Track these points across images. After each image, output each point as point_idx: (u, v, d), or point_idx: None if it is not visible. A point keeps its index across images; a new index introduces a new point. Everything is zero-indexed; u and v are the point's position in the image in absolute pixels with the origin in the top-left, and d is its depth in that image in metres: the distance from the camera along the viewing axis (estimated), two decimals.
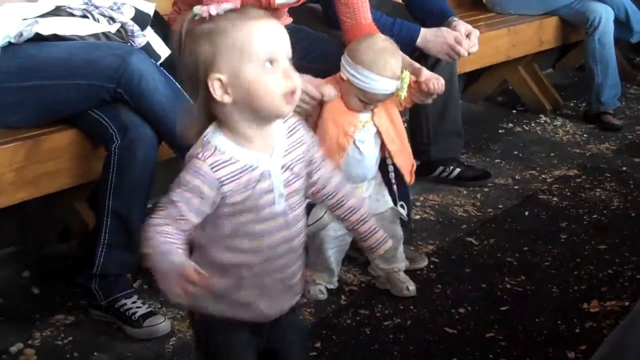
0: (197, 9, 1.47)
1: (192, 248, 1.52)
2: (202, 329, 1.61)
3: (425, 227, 3.09)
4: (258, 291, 1.55)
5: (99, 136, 2.34)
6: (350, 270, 2.73)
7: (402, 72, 2.41)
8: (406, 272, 2.65)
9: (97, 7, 2.44)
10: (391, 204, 2.57)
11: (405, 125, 3.66)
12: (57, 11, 2.40)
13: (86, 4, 2.44)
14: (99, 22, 2.42)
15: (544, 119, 4.41)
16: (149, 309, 2.37)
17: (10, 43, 2.33)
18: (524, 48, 4.26)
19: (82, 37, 2.39)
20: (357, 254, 2.71)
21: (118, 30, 2.44)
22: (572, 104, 4.68)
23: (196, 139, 1.50)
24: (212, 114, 1.49)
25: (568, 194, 3.43)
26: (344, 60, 2.42)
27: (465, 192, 3.41)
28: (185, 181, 1.47)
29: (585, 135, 4.19)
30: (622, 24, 4.39)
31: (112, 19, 2.45)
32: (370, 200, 2.53)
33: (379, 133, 2.49)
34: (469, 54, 3.09)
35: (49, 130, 2.34)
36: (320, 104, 2.44)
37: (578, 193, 3.44)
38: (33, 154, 2.27)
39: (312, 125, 2.46)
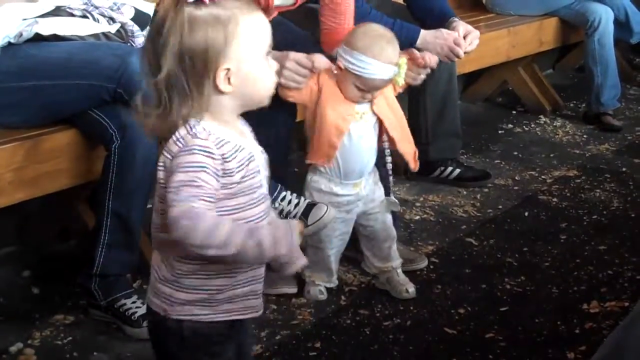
0: None
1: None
2: (191, 342, 1.51)
3: (425, 228, 3.09)
4: (252, 283, 1.53)
5: (98, 136, 2.34)
6: (350, 270, 2.73)
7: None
8: (405, 272, 2.65)
9: (97, 7, 2.44)
10: (383, 197, 2.57)
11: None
12: (57, 11, 2.40)
13: (86, 4, 2.44)
14: (98, 22, 2.43)
15: (544, 119, 4.41)
16: None
17: (10, 43, 2.33)
18: (523, 49, 4.26)
19: (82, 37, 2.39)
20: (357, 254, 2.71)
21: (118, 31, 2.44)
22: (572, 105, 4.68)
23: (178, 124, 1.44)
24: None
25: (568, 194, 3.44)
26: (340, 50, 2.42)
27: (465, 192, 3.41)
28: (196, 162, 1.40)
29: (585, 136, 4.19)
30: (622, 25, 4.39)
31: (112, 19, 2.45)
32: (366, 199, 2.53)
33: (379, 122, 2.49)
34: (466, 53, 3.10)
35: (48, 130, 2.34)
36: (319, 91, 2.43)
37: (578, 194, 3.44)
38: (33, 154, 2.27)
39: (309, 114, 2.47)
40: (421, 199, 3.33)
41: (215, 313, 1.50)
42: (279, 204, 2.44)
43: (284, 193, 2.46)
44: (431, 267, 2.78)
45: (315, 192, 2.49)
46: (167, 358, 1.56)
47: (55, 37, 2.36)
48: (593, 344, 2.30)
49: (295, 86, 2.42)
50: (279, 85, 2.37)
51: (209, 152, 1.41)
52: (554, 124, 4.36)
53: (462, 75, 4.03)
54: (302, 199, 2.46)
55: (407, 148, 2.56)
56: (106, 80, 2.28)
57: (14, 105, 2.34)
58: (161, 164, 1.46)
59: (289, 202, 2.45)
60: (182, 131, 1.44)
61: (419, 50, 3.10)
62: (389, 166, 2.54)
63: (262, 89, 1.48)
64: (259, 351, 2.28)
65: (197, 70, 1.42)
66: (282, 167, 2.51)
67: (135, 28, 2.46)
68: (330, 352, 2.30)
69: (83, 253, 2.46)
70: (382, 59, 2.35)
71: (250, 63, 1.45)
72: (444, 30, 3.09)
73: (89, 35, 2.40)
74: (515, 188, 3.50)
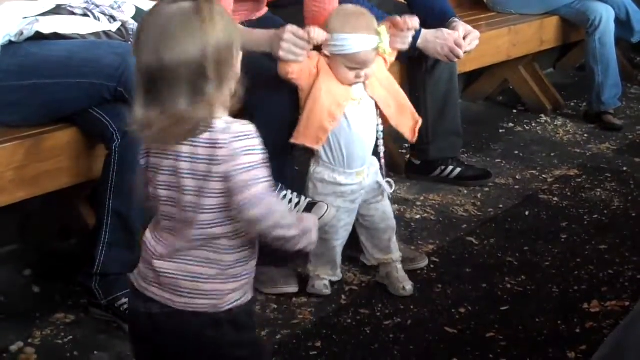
0: None
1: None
2: (244, 323, 1.58)
3: (426, 227, 3.09)
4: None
5: (99, 135, 2.34)
6: (351, 269, 2.73)
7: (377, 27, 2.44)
8: (406, 271, 2.65)
9: (97, 6, 2.44)
10: (381, 180, 2.58)
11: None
12: (58, 10, 2.40)
13: (87, 2, 2.44)
14: (99, 20, 2.43)
15: (545, 118, 4.41)
16: None
17: (10, 42, 2.33)
18: (524, 48, 4.26)
19: (82, 36, 2.39)
20: (358, 253, 2.71)
21: (119, 29, 2.44)
22: (572, 104, 4.68)
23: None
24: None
25: (568, 193, 3.43)
26: None
27: (465, 191, 3.41)
28: (259, 146, 1.47)
29: (585, 135, 4.19)
30: (623, 24, 4.39)
31: (112, 18, 2.45)
32: (368, 188, 2.54)
33: (375, 104, 2.51)
34: (465, 53, 3.10)
35: (49, 129, 2.34)
36: (317, 74, 2.44)
37: (578, 193, 3.44)
38: (33, 153, 2.27)
39: (304, 97, 2.47)
40: (422, 198, 3.33)
41: (250, 292, 1.59)
42: None
43: (284, 192, 2.46)
44: (432, 266, 2.78)
45: (319, 182, 2.49)
46: (227, 350, 1.57)
47: (56, 36, 2.36)
48: (594, 343, 2.30)
49: (294, 59, 2.41)
50: (279, 62, 2.40)
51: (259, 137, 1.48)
52: (555, 123, 4.36)
53: (463, 74, 4.02)
54: (303, 198, 2.46)
55: (405, 120, 2.58)
56: (107, 79, 2.28)
57: (15, 103, 2.34)
58: (205, 155, 1.46)
59: (290, 200, 2.45)
60: (219, 122, 1.46)
61: (420, 50, 3.12)
62: (381, 149, 2.56)
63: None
64: None
65: (226, 61, 1.45)
66: (283, 166, 2.51)
67: (136, 26, 2.45)
68: (331, 352, 2.30)
69: (84, 252, 2.46)
70: (359, 31, 2.39)
71: (240, 55, 1.51)
72: (444, 30, 3.10)
73: (89, 34, 2.40)
74: (516, 187, 3.50)
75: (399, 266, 2.62)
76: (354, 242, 2.64)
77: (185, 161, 1.47)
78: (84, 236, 2.59)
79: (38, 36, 2.34)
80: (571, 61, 5.34)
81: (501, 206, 3.30)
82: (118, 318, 2.36)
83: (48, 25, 2.35)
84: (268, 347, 2.07)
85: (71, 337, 2.35)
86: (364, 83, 2.46)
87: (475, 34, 3.15)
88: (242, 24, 2.76)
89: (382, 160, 2.58)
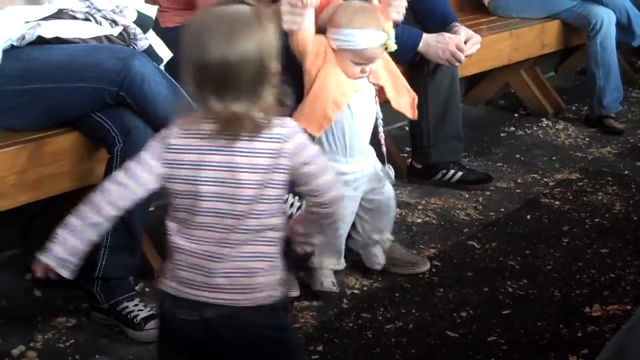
0: None
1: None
2: (285, 308, 1.67)
3: (427, 231, 3.09)
4: None
5: (101, 139, 2.35)
6: (352, 273, 2.73)
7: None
8: (408, 275, 2.67)
9: (99, 10, 2.44)
10: (383, 168, 2.61)
11: (406, 128, 3.69)
12: (60, 14, 2.40)
13: (89, 7, 2.44)
14: (101, 25, 2.43)
15: (546, 122, 4.41)
16: (151, 312, 2.37)
17: (12, 46, 2.33)
18: (526, 51, 4.26)
19: (84, 40, 2.39)
20: (358, 257, 2.71)
21: (120, 33, 2.44)
22: (574, 108, 4.68)
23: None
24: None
25: (570, 197, 3.43)
26: (328, 32, 2.47)
27: (467, 195, 3.41)
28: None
29: (587, 139, 4.19)
30: (624, 28, 4.39)
31: (114, 22, 2.45)
32: (371, 176, 2.58)
33: (376, 88, 2.55)
34: (466, 57, 3.10)
35: (51, 133, 2.34)
36: (324, 58, 2.47)
37: (580, 197, 3.44)
38: (35, 157, 2.27)
39: (309, 82, 2.48)
40: (423, 202, 3.33)
41: None
42: None
43: (286, 196, 2.46)
44: (433, 270, 2.78)
45: None
46: (282, 333, 1.63)
47: (57, 40, 2.36)
48: (595, 347, 2.29)
49: (297, 27, 2.45)
50: (290, 38, 2.43)
51: None
52: (556, 127, 4.36)
53: (464, 78, 4.03)
54: (304, 201, 2.46)
55: (402, 100, 2.63)
56: (108, 83, 2.29)
57: (17, 108, 2.34)
58: (267, 149, 1.52)
59: (292, 205, 2.45)
60: (275, 119, 1.53)
61: (422, 54, 3.12)
62: (382, 136, 2.59)
63: None
64: None
65: (275, 61, 1.54)
66: None
67: (138, 31, 2.46)
68: (333, 355, 2.29)
69: (85, 256, 2.46)
70: (367, 27, 2.42)
71: None
72: (446, 34, 3.10)
73: (91, 38, 2.40)
74: (518, 191, 3.50)
75: (386, 244, 2.69)
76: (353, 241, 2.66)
77: (244, 155, 1.52)
78: None
79: (40, 40, 2.34)
80: (572, 65, 5.34)
81: (503, 210, 3.30)
82: (120, 322, 2.36)
83: (50, 30, 2.35)
84: None
85: (73, 341, 2.35)
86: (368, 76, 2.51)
87: (477, 38, 3.15)
88: None
89: (384, 147, 2.59)
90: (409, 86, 2.66)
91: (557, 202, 3.38)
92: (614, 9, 4.33)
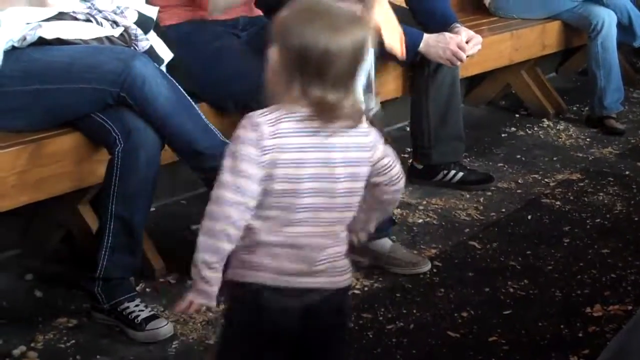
0: None
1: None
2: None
3: (428, 231, 3.09)
4: None
5: (102, 140, 2.35)
6: (353, 274, 2.72)
7: None
8: (409, 275, 2.66)
9: (100, 11, 2.45)
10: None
11: (407, 129, 3.69)
12: (61, 15, 2.40)
13: (89, 8, 2.44)
14: (102, 26, 2.43)
15: (547, 123, 4.41)
16: (152, 312, 2.37)
17: (13, 47, 2.34)
18: (526, 52, 4.26)
19: (85, 41, 2.39)
20: (361, 258, 2.71)
21: (121, 34, 2.44)
22: (575, 108, 4.68)
23: None
24: None
25: (571, 198, 3.43)
26: None
27: (468, 196, 3.41)
28: None
29: (588, 140, 4.19)
30: (625, 28, 4.39)
31: (115, 23, 2.45)
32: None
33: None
34: (468, 57, 3.11)
35: (52, 133, 2.34)
36: None
37: (581, 197, 3.44)
38: (36, 158, 2.28)
39: None
40: (424, 202, 3.33)
41: None
42: None
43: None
44: (434, 270, 2.78)
45: None
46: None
47: (58, 41, 2.36)
48: (596, 347, 2.29)
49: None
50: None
51: None
52: (557, 128, 4.35)
53: (465, 78, 4.03)
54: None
55: (393, 37, 2.69)
56: (109, 84, 2.29)
57: (18, 108, 2.34)
58: (356, 143, 1.56)
59: None
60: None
61: (422, 55, 3.13)
62: (372, 78, 2.54)
63: None
64: None
65: None
66: None
67: (139, 32, 2.46)
68: None
69: (86, 256, 2.46)
70: None
71: None
72: (446, 34, 3.11)
73: (92, 39, 2.40)
74: (519, 191, 3.50)
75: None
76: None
77: (339, 151, 1.54)
78: (87, 241, 2.59)
79: (41, 41, 2.34)
80: (573, 66, 5.33)
81: (504, 210, 3.30)
82: (120, 322, 2.36)
83: (51, 31, 2.35)
84: None
85: (74, 341, 2.35)
86: None
87: (478, 38, 3.15)
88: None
89: (374, 88, 2.57)
90: (395, 21, 2.69)
91: (558, 203, 3.38)
92: (615, 9, 4.33)
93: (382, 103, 2.62)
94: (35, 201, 2.33)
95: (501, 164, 3.81)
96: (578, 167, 3.78)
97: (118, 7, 2.48)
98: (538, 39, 4.30)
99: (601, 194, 3.47)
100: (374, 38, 1.56)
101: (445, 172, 3.45)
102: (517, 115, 4.53)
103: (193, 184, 3.04)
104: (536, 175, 3.67)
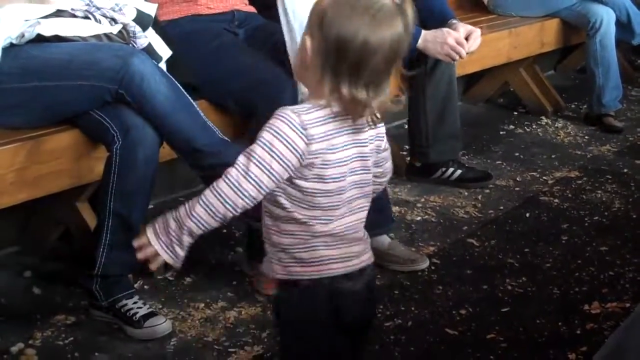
0: None
1: None
2: None
3: (427, 229, 3.09)
4: None
5: (100, 137, 2.35)
6: None
7: None
8: (407, 273, 2.66)
9: (98, 8, 2.45)
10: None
11: (405, 126, 3.68)
12: (59, 12, 2.40)
13: (88, 5, 2.44)
14: (100, 23, 2.43)
15: (545, 120, 4.41)
16: (150, 310, 2.37)
17: (11, 44, 2.33)
18: (525, 50, 4.26)
19: (83, 38, 2.39)
20: None
21: (120, 32, 2.44)
22: (573, 106, 4.68)
23: None
24: None
25: (569, 195, 3.44)
26: None
27: (466, 193, 3.41)
28: None
29: (586, 137, 4.19)
30: (624, 26, 4.39)
31: (113, 20, 2.45)
32: None
33: None
34: (468, 53, 3.10)
35: (50, 130, 2.34)
36: None
37: (579, 195, 3.44)
38: (34, 155, 2.28)
39: None
40: (422, 199, 3.33)
41: None
42: None
43: None
44: (432, 267, 2.78)
45: None
46: None
47: (57, 38, 2.36)
48: (594, 344, 2.30)
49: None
50: None
51: None
52: (556, 125, 4.36)
53: (464, 76, 4.03)
54: None
55: None
56: (108, 82, 2.29)
57: (16, 106, 2.34)
58: (375, 134, 1.59)
59: None
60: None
61: (420, 52, 3.12)
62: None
63: None
64: (259, 352, 2.28)
65: None
66: None
67: (137, 29, 2.46)
68: None
69: (84, 254, 2.46)
70: None
71: None
72: (444, 30, 3.10)
73: (90, 36, 2.40)
74: (517, 189, 3.50)
75: None
76: None
77: (368, 145, 1.57)
78: (85, 238, 2.59)
79: (39, 38, 2.34)
80: (572, 63, 5.34)
81: (502, 208, 3.30)
82: (119, 319, 2.37)
83: (49, 28, 2.35)
84: None
85: (72, 338, 2.35)
86: None
87: (477, 32, 3.14)
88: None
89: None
90: None
91: (556, 200, 3.38)
92: (614, 7, 4.33)
93: None
94: (33, 198, 2.33)
95: (499, 162, 3.81)
96: (576, 165, 3.79)
97: (116, 5, 2.48)
98: (536, 36, 4.30)
99: (599, 191, 3.48)
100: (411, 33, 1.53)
101: (444, 169, 3.46)
102: (515, 113, 4.53)
103: (191, 181, 3.04)
104: (534, 173, 3.68)
